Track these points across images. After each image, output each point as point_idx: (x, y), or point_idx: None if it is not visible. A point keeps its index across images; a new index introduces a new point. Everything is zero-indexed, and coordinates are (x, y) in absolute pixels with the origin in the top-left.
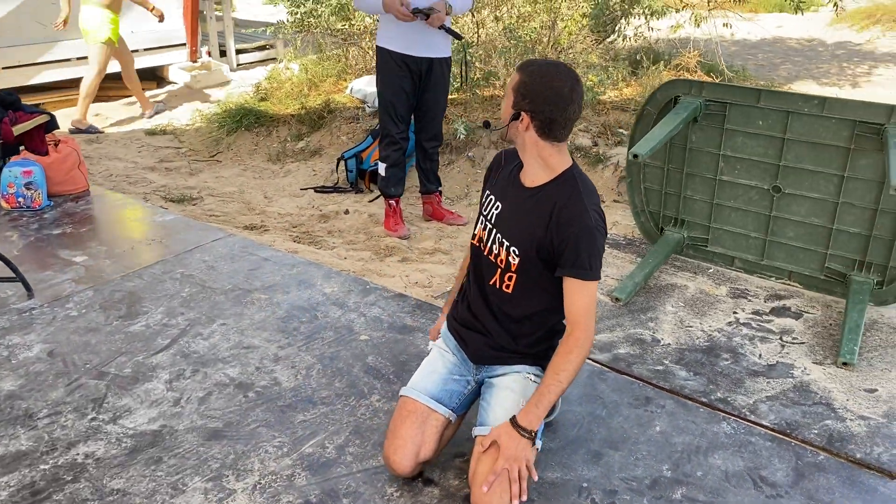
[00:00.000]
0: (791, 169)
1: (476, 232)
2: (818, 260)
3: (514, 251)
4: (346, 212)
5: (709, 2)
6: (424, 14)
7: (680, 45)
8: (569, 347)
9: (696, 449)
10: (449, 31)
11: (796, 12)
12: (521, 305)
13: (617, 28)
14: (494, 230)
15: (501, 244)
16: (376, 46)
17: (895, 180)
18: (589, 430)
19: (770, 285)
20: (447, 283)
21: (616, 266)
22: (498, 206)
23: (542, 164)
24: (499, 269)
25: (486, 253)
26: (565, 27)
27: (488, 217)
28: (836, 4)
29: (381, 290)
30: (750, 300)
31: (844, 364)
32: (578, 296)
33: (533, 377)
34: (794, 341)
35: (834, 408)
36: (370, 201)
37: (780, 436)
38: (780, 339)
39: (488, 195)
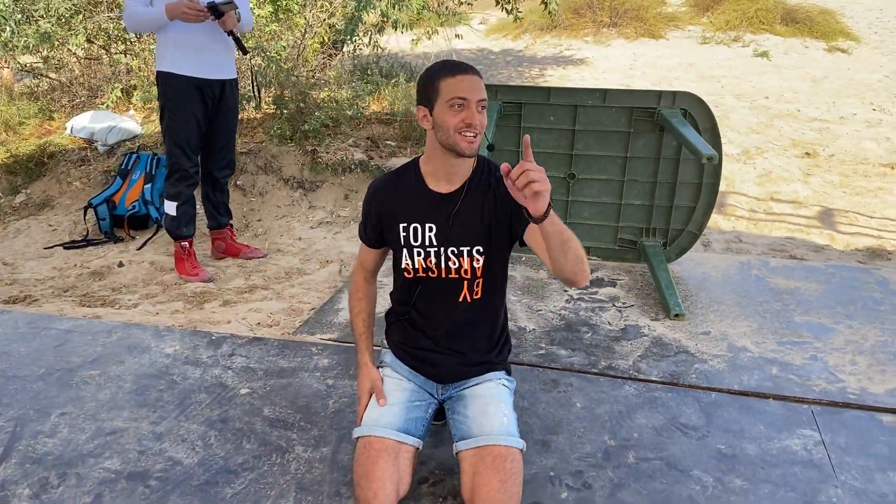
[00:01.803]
0: (582, 156)
1: (414, 266)
2: (612, 233)
3: (477, 251)
4: (121, 264)
5: (438, 16)
6: (217, 11)
7: (393, 59)
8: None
9: (619, 415)
10: (237, 40)
11: (515, 20)
12: (491, 305)
13: (352, 41)
14: (443, 248)
15: (460, 255)
16: (158, 73)
17: (706, 151)
18: (524, 423)
19: None
20: (293, 318)
21: None
22: (430, 227)
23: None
24: (465, 282)
25: (443, 276)
26: (311, 44)
27: (424, 244)
28: (512, 13)
29: (232, 338)
30: None
31: (677, 316)
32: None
33: (505, 381)
34: (626, 306)
35: (692, 353)
36: (139, 249)
37: (672, 385)
38: (614, 305)
39: (407, 227)
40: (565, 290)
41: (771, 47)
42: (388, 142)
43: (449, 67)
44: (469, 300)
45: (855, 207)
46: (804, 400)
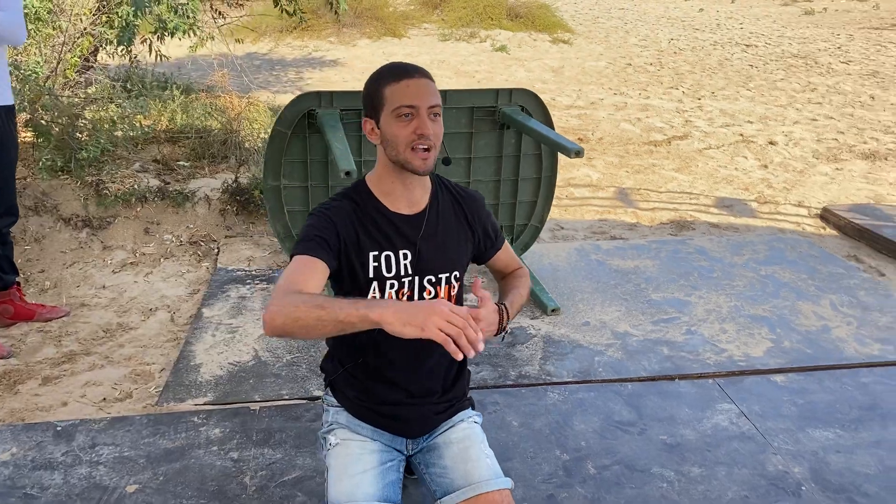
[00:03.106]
0: None
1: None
2: None
3: (454, 277)
4: None
5: (214, 19)
6: None
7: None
8: (523, 273)
9: (559, 425)
10: None
11: (301, 22)
12: None
13: (128, 52)
14: (418, 277)
15: (437, 283)
16: None
17: (572, 146)
18: None
19: None
20: (146, 385)
21: None
22: (405, 254)
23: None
24: None
25: None
26: (71, 58)
27: (399, 274)
28: (296, 14)
29: (84, 424)
30: None
31: (554, 311)
32: (510, 251)
33: (475, 418)
34: None
35: (585, 346)
36: None
37: (588, 383)
38: None
39: (378, 255)
40: None
41: (505, 41)
42: (181, 162)
43: (393, 71)
44: None
45: (641, 185)
46: (705, 375)
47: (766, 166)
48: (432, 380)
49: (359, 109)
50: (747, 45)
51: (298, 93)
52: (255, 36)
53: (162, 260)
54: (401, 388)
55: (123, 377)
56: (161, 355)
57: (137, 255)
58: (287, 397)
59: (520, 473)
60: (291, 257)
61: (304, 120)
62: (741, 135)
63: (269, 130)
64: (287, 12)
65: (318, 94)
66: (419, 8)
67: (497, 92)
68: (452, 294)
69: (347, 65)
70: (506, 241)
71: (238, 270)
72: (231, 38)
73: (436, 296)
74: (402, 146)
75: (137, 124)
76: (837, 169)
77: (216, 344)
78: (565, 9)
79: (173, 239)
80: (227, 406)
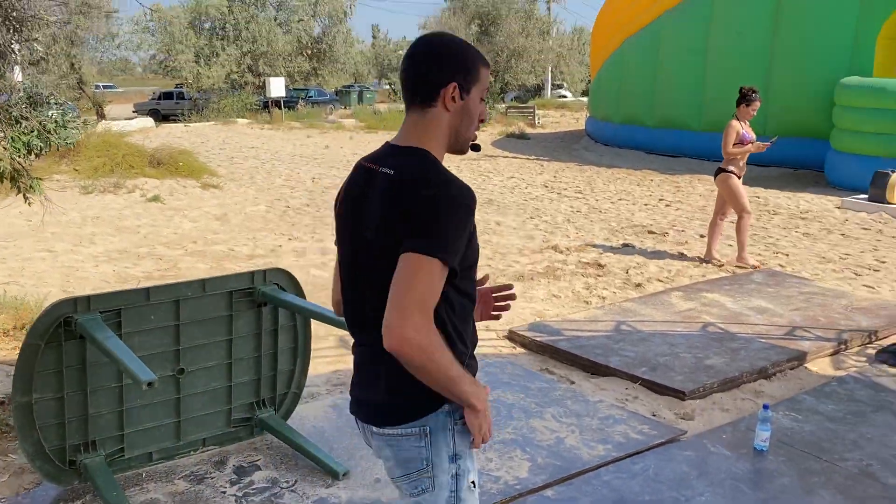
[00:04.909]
0: (189, 349)
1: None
2: (224, 417)
3: None
4: None
5: None
6: None
7: None
8: None
9: None
10: None
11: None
12: None
13: None
14: None
15: None
16: None
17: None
18: None
19: (200, 458)
20: None
21: None
22: None
23: None
24: None
25: None
26: None
27: None
28: None
29: None
30: (226, 472)
31: (345, 475)
32: None
33: None
34: (290, 485)
35: None
36: None
37: None
38: (281, 487)
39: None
40: (233, 484)
41: (155, 190)
42: None
43: (481, 55)
44: None
45: None
46: None
47: None
48: None
49: (118, 309)
50: None
51: None
52: None
53: None
54: None
55: None
56: None
57: None
58: None
59: None
60: (438, 257)
61: (59, 328)
62: None
63: None
64: None
65: (74, 300)
66: (45, 158)
67: (252, 274)
68: None
69: None
70: None
71: None
72: None
73: None
74: (475, 125)
75: None
76: None
77: None
78: (196, 150)
79: None
80: None
